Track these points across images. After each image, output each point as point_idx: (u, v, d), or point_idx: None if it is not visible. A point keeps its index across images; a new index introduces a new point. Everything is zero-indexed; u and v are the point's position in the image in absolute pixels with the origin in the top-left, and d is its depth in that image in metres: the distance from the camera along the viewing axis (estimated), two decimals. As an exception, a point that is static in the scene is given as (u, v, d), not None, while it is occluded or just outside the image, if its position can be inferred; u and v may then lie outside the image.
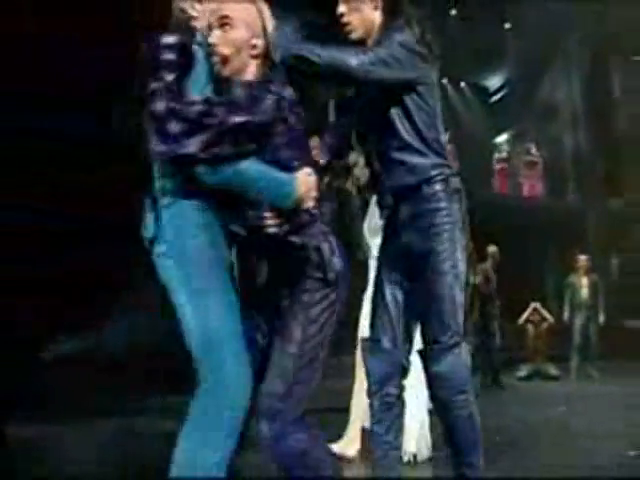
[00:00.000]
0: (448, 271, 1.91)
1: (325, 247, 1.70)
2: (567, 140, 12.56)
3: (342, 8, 2.01)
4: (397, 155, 1.97)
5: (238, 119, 1.65)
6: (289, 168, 1.69)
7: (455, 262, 1.93)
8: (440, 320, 1.91)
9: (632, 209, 11.36)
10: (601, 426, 4.14)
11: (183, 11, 1.84)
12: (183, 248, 1.69)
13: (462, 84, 12.88)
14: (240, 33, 1.76)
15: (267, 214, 1.66)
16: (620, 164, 11.98)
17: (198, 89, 1.69)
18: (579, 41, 12.30)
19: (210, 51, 1.77)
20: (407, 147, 1.95)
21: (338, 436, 3.38)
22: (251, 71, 1.79)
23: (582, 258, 7.88)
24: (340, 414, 3.52)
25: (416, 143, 1.95)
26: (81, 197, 5.38)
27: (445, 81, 11.54)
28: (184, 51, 1.68)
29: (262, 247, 1.77)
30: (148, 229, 1.74)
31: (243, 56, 1.76)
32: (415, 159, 1.95)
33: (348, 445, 3.33)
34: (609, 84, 12.72)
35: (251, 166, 1.67)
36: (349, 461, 3.21)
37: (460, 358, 1.93)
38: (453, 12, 11.37)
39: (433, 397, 1.98)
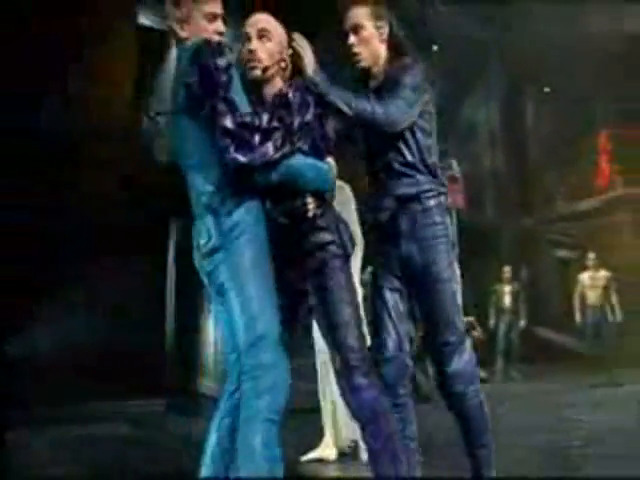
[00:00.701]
0: (449, 278, 2.14)
1: (341, 227, 2.03)
2: (485, 160, 13.52)
3: (352, 39, 2.20)
4: (401, 169, 2.17)
5: (297, 120, 1.90)
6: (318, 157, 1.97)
7: (454, 269, 2.18)
8: (447, 323, 2.14)
9: (542, 227, 12.50)
10: (523, 422, 4.59)
11: (219, 33, 1.99)
12: (240, 256, 1.82)
13: None
14: (275, 45, 2.03)
15: (309, 199, 1.93)
16: (531, 185, 13.14)
17: (240, 100, 1.86)
18: (499, 69, 13.36)
19: (248, 58, 2.01)
20: (410, 165, 2.17)
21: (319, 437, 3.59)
22: (278, 80, 2.06)
23: (506, 269, 8.61)
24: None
25: (418, 163, 2.17)
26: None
27: None
28: (229, 70, 1.85)
29: (294, 234, 1.97)
30: (207, 238, 1.84)
31: (275, 66, 2.02)
32: (416, 175, 2.17)
33: (326, 449, 3.51)
34: (523, 111, 13.96)
35: (298, 160, 1.90)
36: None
37: (467, 354, 2.18)
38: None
39: (448, 393, 2.18)
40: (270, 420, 1.76)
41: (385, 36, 2.23)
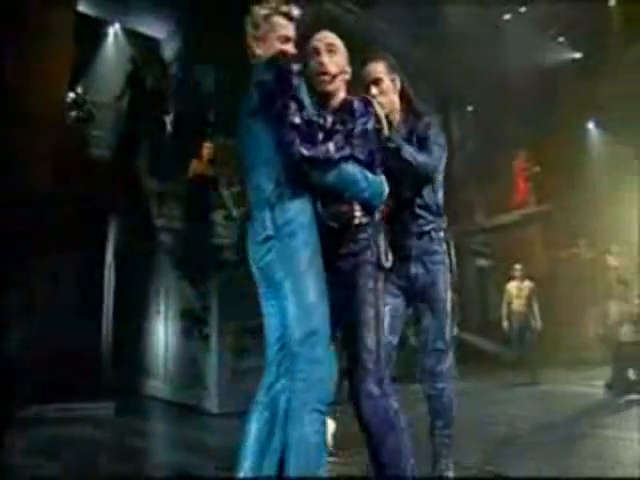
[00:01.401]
0: (446, 297, 2.63)
1: (380, 241, 2.18)
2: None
3: (374, 91, 2.56)
4: (419, 211, 2.66)
5: (358, 127, 2.10)
6: (372, 169, 2.15)
7: (448, 289, 2.65)
8: (441, 331, 2.63)
9: (464, 237, 13.27)
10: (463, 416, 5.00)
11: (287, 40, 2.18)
12: (296, 253, 1.96)
13: None
14: (341, 59, 2.24)
15: (357, 207, 2.10)
16: (455, 198, 13.92)
17: (305, 103, 2.05)
18: (427, 87, 14.10)
19: (319, 70, 2.21)
20: (426, 207, 2.66)
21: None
22: (342, 92, 2.25)
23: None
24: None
25: (432, 205, 2.66)
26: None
27: None
28: (301, 75, 2.08)
29: (336, 237, 2.13)
30: (262, 228, 1.98)
31: (340, 78, 2.23)
32: (429, 216, 2.66)
33: None
34: (448, 127, 14.80)
35: (354, 168, 2.07)
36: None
37: (450, 359, 2.67)
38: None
39: (433, 388, 2.65)
40: (318, 410, 1.91)
41: (398, 88, 2.62)
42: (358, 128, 2.07)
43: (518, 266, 8.11)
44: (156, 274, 6.19)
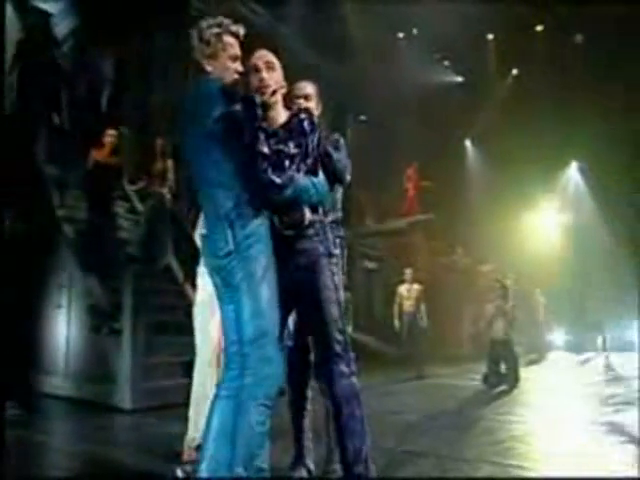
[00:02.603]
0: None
1: (328, 231, 2.47)
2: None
3: (302, 103, 2.76)
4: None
5: (310, 146, 2.35)
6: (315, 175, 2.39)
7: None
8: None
9: (356, 240, 13.94)
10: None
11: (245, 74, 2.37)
12: (254, 261, 2.15)
13: None
14: (278, 75, 2.45)
15: (307, 210, 2.36)
16: (349, 203, 14.56)
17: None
18: (326, 96, 14.62)
19: (259, 85, 2.38)
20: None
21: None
22: (280, 107, 2.46)
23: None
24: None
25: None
26: None
27: None
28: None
29: (290, 239, 2.36)
30: (223, 244, 2.15)
31: (279, 92, 2.43)
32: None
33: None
34: (344, 135, 15.40)
35: (304, 178, 2.31)
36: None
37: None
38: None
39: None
40: (264, 405, 2.11)
41: (319, 112, 2.84)
42: (310, 147, 2.31)
43: (408, 270, 8.78)
44: (58, 267, 5.91)
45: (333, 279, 2.41)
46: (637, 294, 12.37)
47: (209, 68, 2.31)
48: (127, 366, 5.03)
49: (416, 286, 8.65)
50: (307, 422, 2.90)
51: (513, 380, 6.91)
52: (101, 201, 6.46)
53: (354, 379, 2.36)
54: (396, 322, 8.52)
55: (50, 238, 6.10)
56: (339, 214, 2.84)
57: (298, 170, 2.21)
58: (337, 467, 2.69)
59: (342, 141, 2.75)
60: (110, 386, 5.08)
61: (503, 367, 7.14)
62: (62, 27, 10.96)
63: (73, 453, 3.68)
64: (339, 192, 2.88)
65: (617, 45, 12.63)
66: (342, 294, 2.46)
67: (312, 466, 2.90)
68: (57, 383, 5.56)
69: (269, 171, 2.12)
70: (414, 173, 13.68)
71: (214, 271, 2.23)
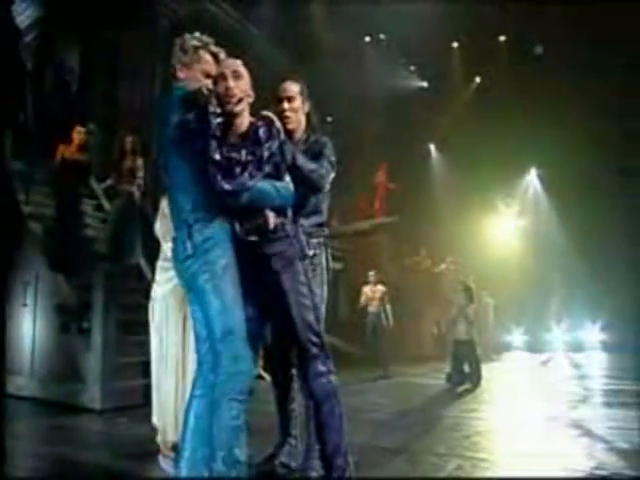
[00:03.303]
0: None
1: (299, 233, 2.53)
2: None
3: (286, 105, 2.85)
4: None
5: (265, 153, 2.38)
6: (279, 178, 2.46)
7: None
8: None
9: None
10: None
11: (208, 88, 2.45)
12: (214, 263, 2.23)
13: None
14: (245, 84, 2.48)
15: (269, 214, 2.40)
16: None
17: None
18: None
19: (225, 94, 2.42)
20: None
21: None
22: (246, 115, 2.49)
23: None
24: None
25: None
26: None
27: None
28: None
29: (266, 243, 2.41)
30: (182, 248, 2.25)
31: (244, 100, 2.47)
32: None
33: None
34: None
35: (263, 183, 2.36)
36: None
37: None
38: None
39: None
40: (237, 400, 2.19)
41: (306, 110, 2.93)
42: (265, 154, 2.34)
43: (372, 272, 8.94)
44: (23, 265, 5.79)
45: (308, 283, 2.47)
46: (590, 295, 12.94)
47: (181, 75, 2.42)
48: (97, 365, 4.98)
49: (380, 287, 8.80)
50: (293, 411, 3.01)
51: (476, 379, 7.14)
52: (69, 198, 6.35)
53: (332, 377, 2.46)
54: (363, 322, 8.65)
55: (15, 235, 5.97)
56: (323, 217, 2.90)
57: (251, 177, 2.26)
58: (315, 463, 2.78)
59: (328, 147, 2.83)
60: (79, 386, 5.02)
61: (466, 366, 7.36)
62: (24, 17, 10.69)
63: (42, 454, 3.62)
64: (326, 195, 2.92)
65: (574, 56, 13.16)
66: (321, 295, 2.53)
67: (286, 460, 2.99)
68: (22, 383, 5.45)
69: (219, 177, 2.19)
70: (384, 174, 13.88)
71: (180, 275, 2.33)
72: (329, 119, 16.07)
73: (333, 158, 2.87)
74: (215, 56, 2.47)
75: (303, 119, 2.92)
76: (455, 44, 15.24)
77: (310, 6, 14.63)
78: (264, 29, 13.42)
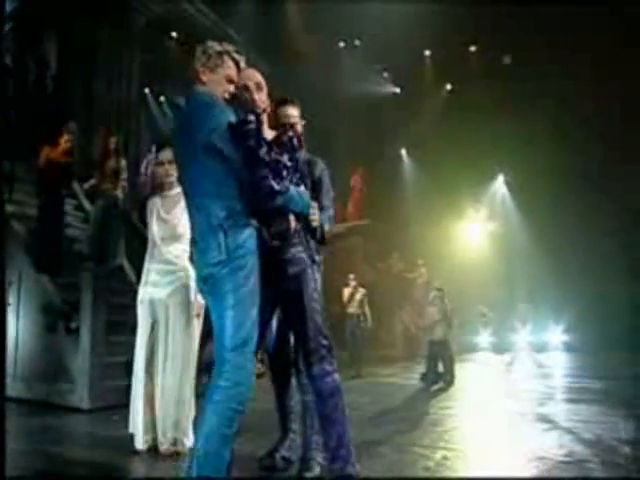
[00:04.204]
0: None
1: (310, 240, 2.68)
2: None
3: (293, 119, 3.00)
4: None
5: (299, 160, 2.55)
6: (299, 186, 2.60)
7: None
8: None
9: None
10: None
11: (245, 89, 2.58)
12: (241, 271, 2.27)
13: (162, 99, 13.85)
14: (265, 95, 2.66)
15: (292, 219, 2.52)
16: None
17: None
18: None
19: (252, 105, 2.55)
20: None
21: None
22: (266, 124, 2.65)
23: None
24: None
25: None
26: None
27: (147, 91, 12.50)
28: None
29: (284, 247, 2.57)
30: (216, 253, 2.26)
31: (266, 112, 2.64)
32: None
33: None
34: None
35: (292, 189, 2.44)
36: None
37: None
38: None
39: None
40: (234, 409, 2.24)
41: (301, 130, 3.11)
42: (299, 161, 2.52)
43: (352, 275, 9.16)
44: (6, 265, 5.76)
45: (317, 289, 2.62)
46: (554, 298, 13.49)
47: (204, 78, 2.46)
48: (86, 365, 5.03)
49: (359, 289, 9.03)
50: (292, 407, 3.20)
51: (450, 378, 7.42)
52: (52, 199, 6.36)
53: (336, 375, 2.62)
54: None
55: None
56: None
57: (290, 181, 2.41)
58: (315, 454, 2.96)
59: (326, 175, 3.02)
60: (67, 386, 5.07)
61: (441, 366, 7.64)
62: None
63: (29, 452, 3.63)
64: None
65: (540, 66, 13.69)
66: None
67: (287, 454, 3.17)
68: (6, 383, 5.44)
69: (269, 178, 2.29)
70: (359, 177, 14.10)
71: (202, 280, 2.35)
72: (303, 121, 16.29)
73: (329, 180, 3.06)
74: (237, 63, 2.54)
75: (303, 139, 3.09)
76: (427, 52, 15.63)
77: (287, 9, 14.79)
78: (241, 31, 13.52)
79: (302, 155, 2.61)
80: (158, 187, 3.76)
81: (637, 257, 13.02)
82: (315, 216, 2.63)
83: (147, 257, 3.66)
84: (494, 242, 14.82)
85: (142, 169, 8.90)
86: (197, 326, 3.61)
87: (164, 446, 3.43)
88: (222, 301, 2.27)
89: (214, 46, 2.53)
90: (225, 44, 2.58)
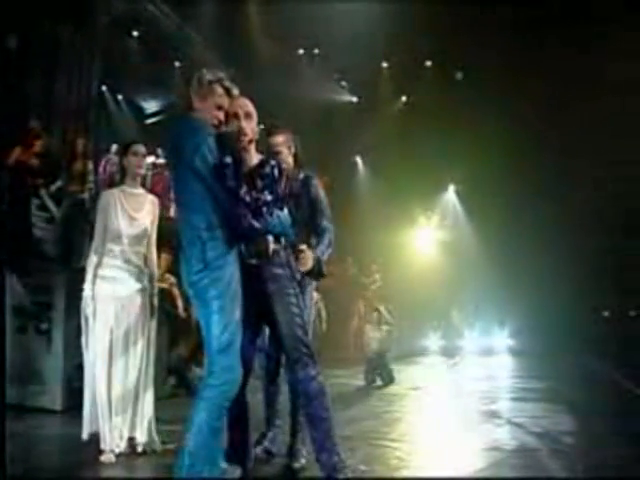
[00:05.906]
0: None
1: (291, 260, 2.88)
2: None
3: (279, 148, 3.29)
4: None
5: (281, 190, 2.75)
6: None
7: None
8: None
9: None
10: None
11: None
12: (222, 279, 2.52)
13: (119, 97, 13.72)
14: (254, 124, 2.85)
15: (270, 239, 2.75)
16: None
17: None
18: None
19: (238, 132, 2.74)
20: None
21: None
22: (253, 151, 2.84)
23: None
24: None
25: None
26: None
27: (105, 88, 12.43)
28: None
29: (263, 266, 2.78)
30: (196, 262, 2.52)
31: (254, 140, 2.84)
32: None
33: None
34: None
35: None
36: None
37: None
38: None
39: None
40: (222, 406, 2.50)
41: (293, 151, 3.43)
42: (280, 191, 2.69)
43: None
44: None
45: (298, 303, 2.82)
46: (500, 303, 14.22)
47: (197, 105, 2.70)
48: (58, 366, 5.06)
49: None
50: (278, 405, 3.50)
51: (387, 377, 7.75)
52: (20, 199, 6.32)
53: (321, 378, 2.85)
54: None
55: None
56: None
57: (271, 214, 2.60)
58: (300, 447, 3.24)
59: (322, 198, 3.40)
60: (39, 387, 5.08)
61: (379, 366, 7.95)
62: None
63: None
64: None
65: (491, 81, 14.43)
66: (308, 312, 2.94)
67: (268, 445, 3.45)
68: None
69: (249, 216, 2.51)
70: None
71: (188, 285, 2.60)
72: (262, 126, 16.43)
73: (323, 194, 3.42)
74: (228, 90, 2.73)
75: (291, 160, 3.39)
76: (385, 64, 16.13)
77: (249, 13, 14.89)
78: (202, 33, 13.58)
79: (283, 182, 2.75)
80: (124, 178, 3.70)
81: (582, 263, 13.89)
82: (305, 259, 2.86)
83: (98, 250, 3.53)
84: (445, 250, 15.45)
85: (100, 169, 8.91)
86: (153, 328, 3.68)
87: (128, 446, 3.50)
88: (206, 307, 2.52)
89: (207, 75, 2.73)
90: (218, 72, 2.78)
